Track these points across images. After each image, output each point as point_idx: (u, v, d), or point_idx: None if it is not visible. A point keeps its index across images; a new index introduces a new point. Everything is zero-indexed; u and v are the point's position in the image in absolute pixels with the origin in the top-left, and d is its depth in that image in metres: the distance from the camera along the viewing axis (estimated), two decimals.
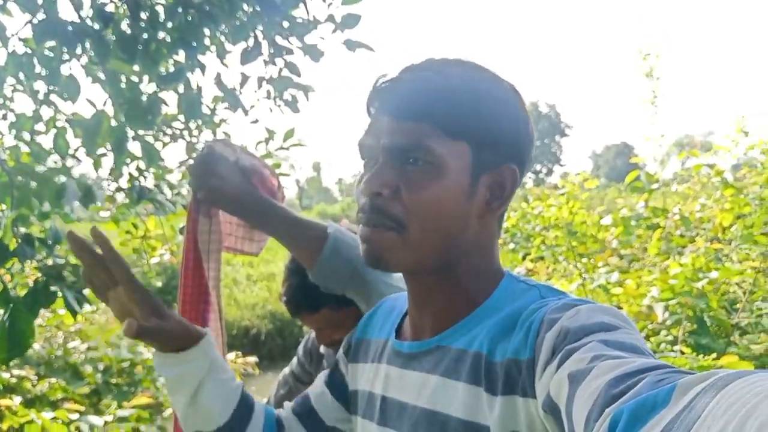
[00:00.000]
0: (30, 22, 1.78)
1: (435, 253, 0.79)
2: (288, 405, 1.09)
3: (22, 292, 1.54)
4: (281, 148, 2.45)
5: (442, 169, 0.76)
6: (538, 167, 52.70)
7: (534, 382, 0.67)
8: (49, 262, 1.60)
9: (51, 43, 2.05)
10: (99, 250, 0.93)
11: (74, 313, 1.63)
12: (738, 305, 3.34)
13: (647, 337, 3.31)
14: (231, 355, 6.62)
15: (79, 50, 1.91)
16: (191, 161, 1.24)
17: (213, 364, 0.99)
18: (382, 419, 0.87)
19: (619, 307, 3.82)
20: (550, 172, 52.15)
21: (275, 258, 16.15)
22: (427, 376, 0.82)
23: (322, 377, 1.07)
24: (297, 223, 1.24)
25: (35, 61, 1.81)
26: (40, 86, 2.36)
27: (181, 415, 1.00)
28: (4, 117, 2.47)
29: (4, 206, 1.71)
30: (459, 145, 0.77)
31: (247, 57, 1.84)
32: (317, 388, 1.06)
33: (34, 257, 1.60)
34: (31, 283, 1.62)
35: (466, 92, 0.78)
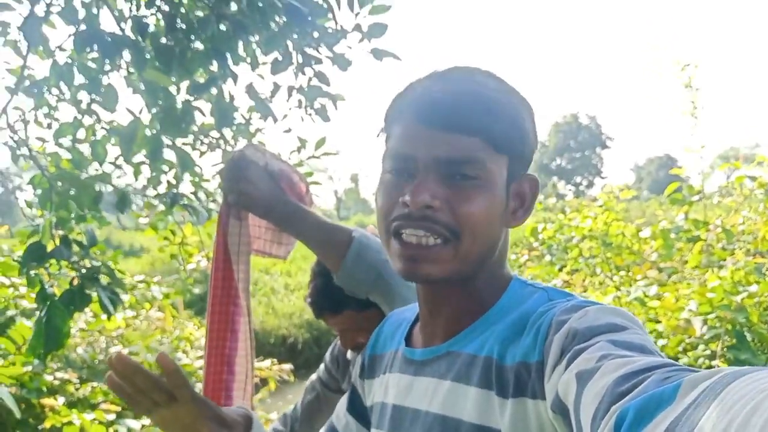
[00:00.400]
0: (73, 34, 1.86)
1: (477, 263, 0.81)
2: None
3: (59, 292, 1.61)
4: (313, 156, 2.49)
5: (490, 182, 0.78)
6: (578, 179, 51.99)
7: (543, 383, 0.68)
8: (86, 263, 1.66)
9: (93, 55, 2.14)
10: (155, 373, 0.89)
11: (108, 314, 1.68)
12: None
13: (684, 351, 3.24)
14: (267, 362, 6.69)
15: (118, 60, 1.99)
16: (225, 165, 1.28)
17: None
18: (394, 427, 0.88)
19: (657, 321, 3.74)
20: (590, 185, 51.40)
21: None
22: (438, 381, 0.83)
23: (343, 406, 1.07)
24: (323, 227, 1.27)
25: (75, 70, 1.89)
26: (83, 96, 2.45)
27: None
28: (49, 126, 2.57)
29: (44, 211, 1.78)
30: (501, 158, 0.79)
31: (277, 67, 1.88)
32: (341, 419, 1.06)
33: (71, 258, 1.67)
34: (67, 285, 1.69)
35: (508, 106, 0.79)
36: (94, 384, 4.93)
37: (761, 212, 4.63)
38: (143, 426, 3.83)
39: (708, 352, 3.12)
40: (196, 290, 10.95)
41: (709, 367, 2.94)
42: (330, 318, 1.53)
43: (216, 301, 1.32)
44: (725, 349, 3.07)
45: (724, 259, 4.23)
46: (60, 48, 1.92)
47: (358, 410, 1.04)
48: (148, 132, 1.97)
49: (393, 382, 0.91)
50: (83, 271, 1.65)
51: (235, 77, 1.84)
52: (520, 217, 0.83)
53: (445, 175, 0.77)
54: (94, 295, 1.77)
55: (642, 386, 0.48)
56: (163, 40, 1.88)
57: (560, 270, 5.79)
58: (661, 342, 3.30)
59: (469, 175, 0.77)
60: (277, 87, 2.06)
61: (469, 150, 0.76)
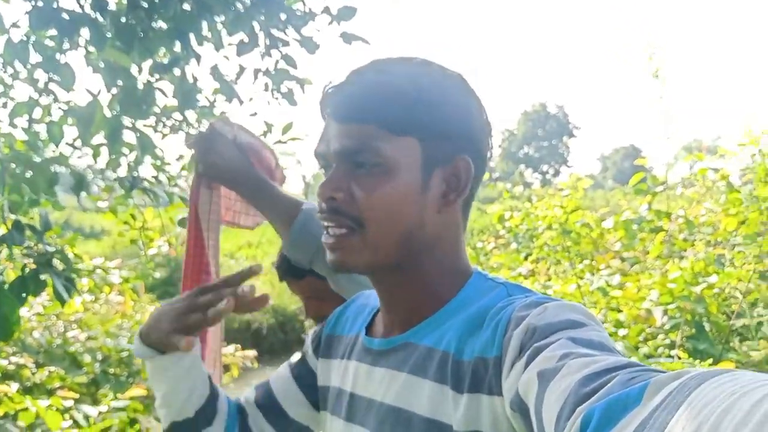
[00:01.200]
0: (29, 11, 1.78)
1: (394, 251, 0.80)
2: (250, 395, 1.08)
3: (11, 279, 1.54)
4: (279, 141, 2.44)
5: (392, 167, 0.77)
6: (545, 168, 52.58)
7: (501, 379, 0.67)
8: (39, 249, 1.60)
9: (51, 33, 2.05)
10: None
11: (62, 301, 1.63)
12: (734, 307, 3.31)
13: (645, 341, 3.30)
14: (230, 348, 6.63)
15: (76, 39, 1.91)
16: (195, 138, 1.31)
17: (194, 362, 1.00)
18: (350, 415, 0.87)
19: (619, 311, 3.80)
20: (557, 173, 52.01)
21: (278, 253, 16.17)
22: (395, 372, 0.82)
23: (287, 369, 1.06)
24: (280, 198, 1.31)
25: (31, 48, 1.81)
26: (40, 75, 2.36)
27: (158, 404, 1.01)
28: (4, 105, 2.47)
29: None
30: (406, 141, 0.78)
31: (243, 48, 1.83)
32: (282, 381, 1.05)
33: (24, 243, 1.60)
34: (19, 271, 1.62)
35: (408, 88, 0.78)
36: (51, 369, 4.83)
37: (722, 204, 4.72)
38: (100, 413, 3.76)
39: (668, 341, 3.18)
40: (157, 274, 10.80)
41: (669, 356, 2.99)
42: (293, 284, 1.61)
43: (188, 270, 1.34)
44: (684, 339, 3.13)
45: (685, 250, 4.31)
46: (14, 25, 1.83)
47: (304, 378, 1.02)
48: (107, 113, 1.90)
49: (351, 369, 0.90)
50: (37, 256, 1.59)
51: (198, 58, 1.78)
52: (453, 200, 0.81)
53: (349, 167, 0.78)
54: (49, 281, 1.71)
55: (607, 387, 0.47)
56: (124, 18, 1.81)
57: (526, 258, 5.85)
58: (622, 331, 3.35)
59: (366, 163, 0.77)
60: (242, 69, 2.00)
61: (361, 138, 0.77)
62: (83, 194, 2.43)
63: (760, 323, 3.43)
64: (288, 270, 1.58)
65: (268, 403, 1.04)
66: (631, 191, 5.18)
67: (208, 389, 1.02)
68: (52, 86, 2.26)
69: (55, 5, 1.74)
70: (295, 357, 1.07)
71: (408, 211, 0.79)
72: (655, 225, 4.75)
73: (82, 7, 1.85)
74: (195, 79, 1.91)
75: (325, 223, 0.81)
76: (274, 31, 1.83)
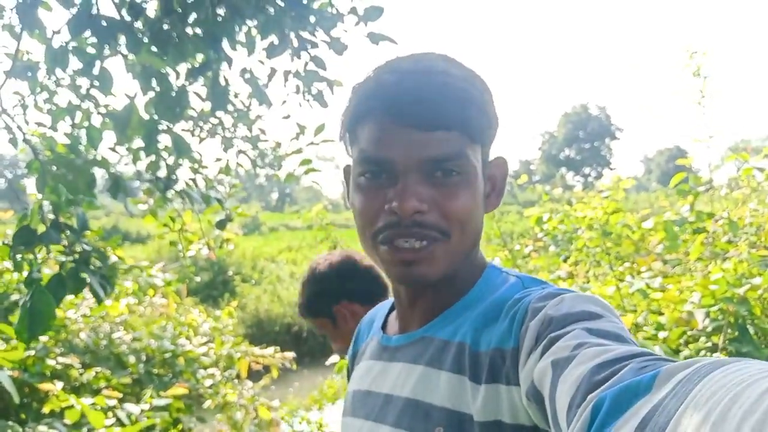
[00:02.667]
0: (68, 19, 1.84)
1: (467, 254, 0.81)
2: None
3: (47, 277, 1.60)
4: (312, 143, 2.48)
5: (472, 174, 0.77)
6: (587, 170, 51.75)
7: (518, 370, 0.67)
8: (77, 248, 1.65)
9: (92, 39, 2.12)
10: None
11: (99, 299, 1.68)
12: None
13: (686, 344, 3.21)
14: (270, 350, 6.71)
15: (115, 44, 1.97)
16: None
17: None
18: (365, 413, 0.88)
19: (660, 313, 3.71)
20: (599, 176, 51.15)
21: None
22: (411, 366, 0.82)
23: None
24: None
25: (71, 55, 1.87)
26: (83, 81, 2.44)
27: None
28: (49, 111, 2.56)
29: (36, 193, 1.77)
30: (477, 148, 0.78)
31: (273, 51, 1.86)
32: None
33: (60, 242, 1.66)
34: (57, 269, 1.68)
35: (475, 93, 0.77)
36: (97, 369, 4.96)
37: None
38: (142, 411, 3.85)
39: (710, 344, 3.10)
40: (198, 278, 11.00)
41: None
42: (310, 321, 1.74)
43: None
44: (727, 342, 3.05)
45: (728, 251, 4.20)
46: (55, 32, 1.90)
47: None
48: (144, 117, 1.96)
49: (366, 368, 0.92)
50: (74, 255, 1.64)
51: (230, 61, 1.82)
52: (494, 201, 0.83)
53: (427, 174, 0.75)
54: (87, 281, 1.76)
55: (618, 375, 0.48)
56: (159, 24, 1.86)
57: (564, 261, 5.76)
58: (662, 334, 3.28)
59: (453, 171, 0.75)
60: (273, 72, 2.04)
61: (450, 146, 0.74)
62: (128, 199, 2.50)
63: None
64: (304, 310, 1.72)
65: None
66: (674, 193, 5.06)
67: None
68: (93, 92, 2.34)
69: (93, 12, 1.80)
70: None
71: (480, 217, 0.81)
72: (697, 226, 4.63)
73: (120, 13, 1.91)
74: (227, 82, 1.95)
75: (405, 237, 0.76)
76: (304, 33, 1.85)
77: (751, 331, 3.15)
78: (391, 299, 0.99)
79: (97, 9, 1.95)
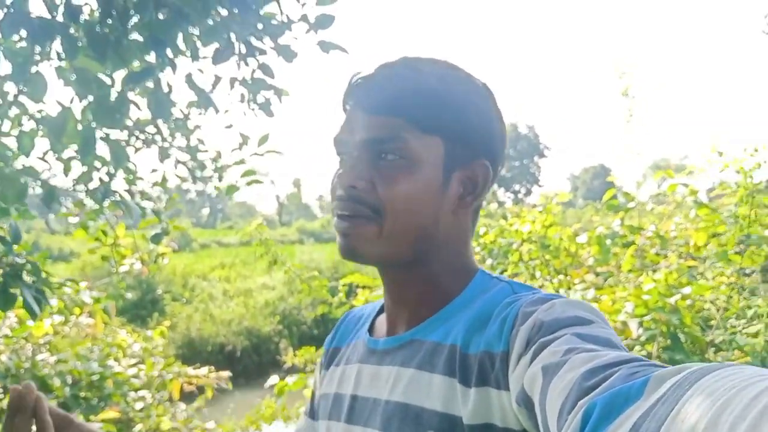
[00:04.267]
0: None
1: (408, 245, 0.81)
2: None
3: None
4: (255, 153, 2.43)
5: (416, 162, 0.78)
6: (516, 187, 53.12)
7: (507, 374, 0.67)
8: (9, 260, 1.55)
9: (21, 43, 2.01)
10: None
11: (33, 314, 1.58)
12: (712, 322, 3.35)
13: None
14: (203, 370, 6.52)
15: (48, 48, 1.87)
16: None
17: None
18: (350, 417, 0.86)
19: None
20: (528, 193, 52.59)
21: (252, 273, 16.02)
22: (401, 369, 0.82)
23: (303, 413, 1.06)
24: None
25: (1, 56, 1.77)
26: (10, 87, 2.31)
27: None
28: None
29: None
30: (432, 139, 0.79)
31: (219, 57, 1.82)
32: (302, 428, 1.05)
33: None
34: None
35: (439, 88, 0.79)
36: None
37: (692, 219, 4.81)
38: None
39: (644, 353, 3.20)
40: (129, 295, 10.63)
41: None
42: None
43: None
44: (661, 350, 3.16)
45: (657, 263, 4.37)
46: None
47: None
48: (79, 125, 1.87)
49: (352, 372, 0.90)
50: (6, 268, 1.54)
51: (174, 67, 1.76)
52: (469, 203, 0.83)
53: (372, 157, 0.79)
54: (18, 296, 1.66)
55: (609, 381, 0.48)
56: (97, 27, 1.79)
57: (501, 273, 5.85)
58: None
59: (391, 155, 0.78)
60: (218, 79, 1.99)
61: (390, 129, 0.78)
62: (51, 215, 2.37)
63: (733, 334, 3.47)
64: None
65: None
66: (603, 208, 5.24)
67: None
68: (21, 98, 2.22)
69: (26, 12, 1.71)
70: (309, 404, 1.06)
71: (426, 208, 0.80)
72: (627, 240, 4.80)
73: (53, 15, 1.82)
74: (170, 89, 1.89)
75: (341, 211, 0.80)
76: (251, 40, 1.82)
77: (683, 338, 3.28)
78: (376, 302, 0.99)
79: (27, 8, 1.86)
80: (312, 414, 1.03)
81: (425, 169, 0.79)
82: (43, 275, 1.68)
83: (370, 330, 0.94)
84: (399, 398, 0.79)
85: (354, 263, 0.84)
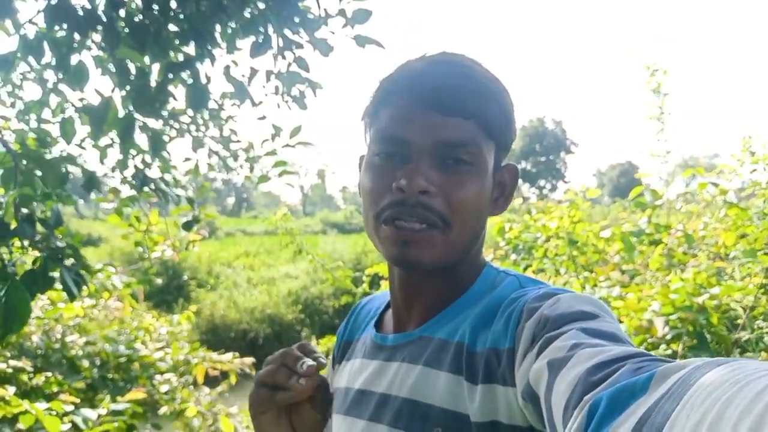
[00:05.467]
0: (43, 9, 1.79)
1: (465, 251, 0.81)
2: None
3: (21, 271, 1.54)
4: (287, 145, 2.46)
5: (483, 169, 0.78)
6: (542, 183, 52.66)
7: (514, 370, 0.67)
8: (50, 243, 1.60)
9: (61, 32, 2.06)
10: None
11: (72, 296, 1.63)
12: (739, 321, 3.32)
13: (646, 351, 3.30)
14: (228, 356, 6.61)
15: (89, 38, 1.92)
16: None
17: None
18: (359, 412, 0.86)
19: (620, 321, 3.80)
20: (554, 188, 52.11)
21: (276, 262, 16.15)
22: (410, 366, 0.82)
23: None
24: None
25: (45, 46, 1.82)
26: (50, 75, 2.37)
27: None
28: (13, 105, 2.48)
29: (6, 188, 1.71)
30: (491, 144, 0.79)
31: (257, 50, 1.84)
32: None
33: (34, 237, 1.60)
34: (30, 264, 1.63)
35: (496, 92, 0.78)
36: (49, 374, 4.80)
37: (721, 219, 4.75)
38: (99, 416, 3.74)
39: (669, 351, 3.18)
40: (159, 280, 10.78)
41: None
42: None
43: None
44: (686, 349, 3.14)
45: (685, 263, 4.33)
46: (31, 21, 1.84)
47: None
48: (119, 112, 1.91)
49: (360, 367, 0.90)
50: (47, 251, 1.59)
51: (213, 58, 1.79)
52: (501, 205, 0.84)
53: (439, 160, 0.76)
54: (57, 278, 1.71)
55: (615, 376, 0.48)
56: (138, 18, 1.83)
57: (525, 270, 5.85)
58: None
59: (464, 160, 0.76)
60: (254, 71, 2.01)
61: (465, 133, 0.75)
62: (80, 201, 2.43)
63: (760, 336, 3.44)
64: None
65: None
66: (630, 206, 5.20)
67: None
68: (61, 86, 2.27)
69: (70, 3, 1.75)
70: None
71: (484, 214, 0.81)
72: (654, 238, 4.76)
73: (95, 7, 1.87)
74: (208, 80, 1.92)
75: (407, 217, 0.76)
76: (288, 33, 1.84)
77: (709, 338, 3.25)
78: (383, 293, 0.99)
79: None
80: None
81: (487, 175, 0.79)
82: (83, 257, 1.73)
83: (378, 324, 0.94)
84: (407, 395, 0.79)
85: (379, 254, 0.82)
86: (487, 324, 0.75)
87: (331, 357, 1.04)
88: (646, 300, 3.56)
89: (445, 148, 0.75)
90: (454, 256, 0.79)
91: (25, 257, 1.69)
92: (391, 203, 0.76)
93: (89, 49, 2.12)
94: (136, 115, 1.85)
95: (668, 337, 3.22)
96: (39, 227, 1.65)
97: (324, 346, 5.72)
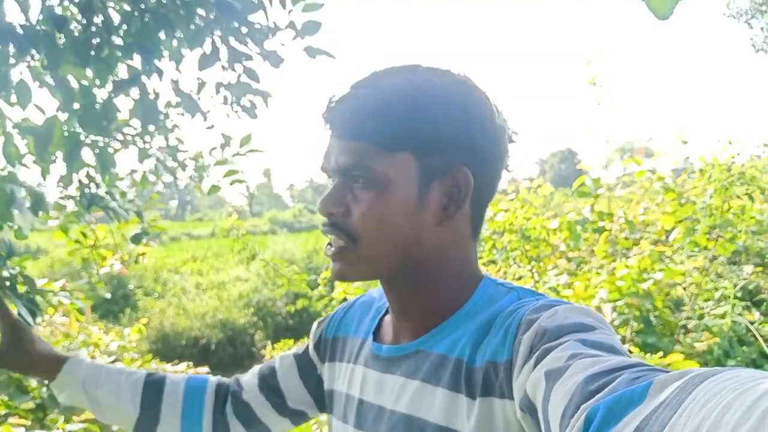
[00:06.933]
0: None
1: (389, 265, 0.82)
2: (254, 376, 1.09)
3: None
4: (237, 154, 2.44)
5: (385, 183, 0.78)
6: None
7: (512, 383, 0.68)
8: (2, 273, 1.55)
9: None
10: None
11: (29, 326, 1.57)
12: (684, 307, 3.47)
13: None
14: (182, 366, 6.48)
15: (29, 56, 1.86)
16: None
17: (87, 381, 1.06)
18: (359, 422, 0.88)
19: None
20: None
21: (225, 265, 15.92)
22: (406, 380, 0.82)
23: (290, 358, 1.08)
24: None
25: None
26: None
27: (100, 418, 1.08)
28: None
29: None
30: (400, 156, 0.78)
31: (204, 62, 1.82)
32: (285, 368, 1.07)
33: None
34: None
35: (399, 104, 0.77)
36: None
37: (659, 203, 4.95)
38: None
39: (618, 337, 3.30)
40: (108, 295, 10.49)
41: None
42: None
43: None
44: (634, 334, 3.26)
45: (629, 249, 4.48)
46: None
47: (306, 371, 1.06)
48: (64, 131, 1.86)
49: (359, 375, 0.91)
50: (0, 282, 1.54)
51: (160, 73, 1.76)
52: (453, 213, 0.81)
53: (348, 182, 0.81)
54: (12, 306, 1.65)
55: (612, 385, 0.48)
56: (80, 33, 1.78)
57: None
58: None
59: (362, 179, 0.79)
60: (203, 83, 1.99)
61: (355, 155, 0.78)
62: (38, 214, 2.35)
63: (701, 316, 3.60)
64: None
65: (270, 386, 1.07)
66: (572, 193, 5.35)
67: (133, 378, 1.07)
68: (1, 105, 2.19)
69: (5, 20, 1.70)
70: (301, 347, 1.09)
71: (402, 227, 0.79)
72: (598, 225, 4.91)
73: (33, 24, 1.80)
74: (156, 95, 1.89)
75: (328, 237, 0.84)
76: (237, 45, 1.82)
77: (654, 322, 3.39)
78: (382, 296, 1.00)
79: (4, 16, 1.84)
80: (300, 369, 1.06)
81: (397, 189, 0.78)
82: (35, 284, 1.68)
83: (377, 330, 0.94)
84: (404, 409, 0.81)
85: None
86: (486, 338, 0.76)
87: (311, 343, 1.06)
88: (594, 288, 3.68)
89: (345, 169, 0.80)
90: (378, 270, 0.83)
91: None
92: (322, 223, 0.84)
93: (29, 65, 2.05)
94: (83, 134, 1.80)
95: (616, 323, 3.34)
96: None
97: (279, 350, 5.68)
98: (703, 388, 0.39)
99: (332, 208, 0.81)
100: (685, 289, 3.44)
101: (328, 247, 0.84)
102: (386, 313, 0.96)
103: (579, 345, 0.60)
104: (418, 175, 0.78)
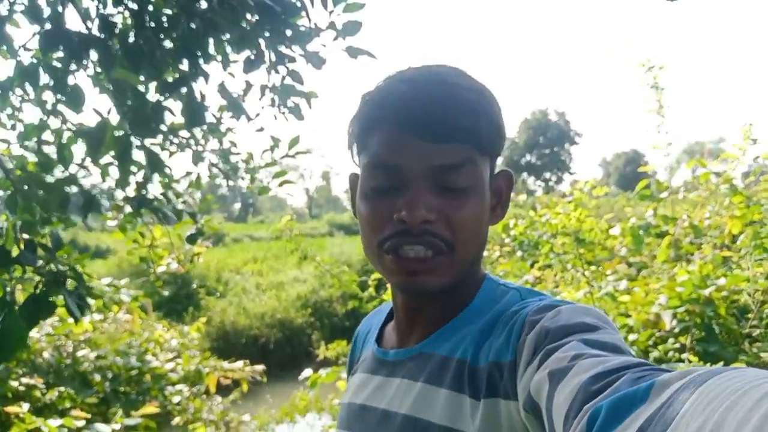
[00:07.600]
0: (38, 33, 1.80)
1: (467, 269, 0.80)
2: None
3: (23, 298, 1.55)
4: (286, 155, 2.47)
5: (480, 186, 0.77)
6: (547, 175, 52.47)
7: (516, 383, 0.67)
8: (52, 268, 1.61)
9: (59, 54, 2.08)
10: None
11: (76, 319, 1.64)
12: (750, 315, 3.30)
13: (655, 345, 3.28)
14: (239, 364, 6.63)
15: (85, 60, 1.93)
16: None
17: None
18: (361, 428, 0.87)
19: (628, 315, 3.79)
20: (560, 180, 51.88)
21: (284, 267, 16.17)
22: (410, 383, 0.82)
23: None
24: None
25: (41, 71, 1.83)
26: (48, 96, 2.38)
27: None
28: (13, 127, 2.50)
29: (8, 213, 1.73)
30: (486, 159, 0.78)
31: (250, 66, 1.85)
32: None
33: (36, 263, 1.61)
34: (32, 290, 1.63)
35: (485, 106, 0.77)
36: (62, 389, 4.83)
37: (726, 207, 4.73)
38: (113, 431, 3.76)
39: (678, 345, 3.17)
40: (166, 292, 10.82)
41: (679, 360, 2.99)
42: None
43: None
44: (694, 342, 3.13)
45: (692, 254, 4.31)
46: (24, 47, 1.86)
47: None
48: (116, 133, 1.92)
49: (363, 382, 0.91)
50: (48, 276, 1.60)
51: (206, 76, 1.80)
52: (499, 214, 0.83)
53: (435, 184, 0.75)
54: (60, 300, 1.72)
55: (615, 385, 0.48)
56: (132, 39, 1.84)
57: (532, 266, 5.84)
58: (631, 336, 3.35)
59: (462, 182, 0.75)
60: (249, 86, 2.02)
61: (458, 155, 0.74)
62: (90, 214, 2.44)
63: None
64: None
65: None
66: (635, 196, 5.19)
67: None
68: (60, 107, 2.29)
69: (63, 27, 1.77)
70: None
71: (485, 230, 0.80)
72: (661, 230, 4.75)
73: (89, 29, 1.88)
74: (203, 97, 1.93)
75: (413, 247, 0.76)
76: (281, 48, 1.85)
77: (717, 330, 3.24)
78: (387, 307, 0.98)
79: (64, 24, 1.92)
80: None
81: (485, 191, 0.78)
82: (85, 280, 1.74)
83: (379, 339, 0.94)
84: (408, 411, 0.80)
85: None
86: (489, 338, 0.75)
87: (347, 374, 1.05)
88: (653, 294, 3.55)
89: (441, 172, 0.75)
90: (461, 276, 0.79)
91: (25, 284, 1.70)
92: (394, 233, 0.76)
93: (86, 68, 2.13)
94: (134, 135, 1.86)
95: (676, 330, 3.21)
96: (40, 251, 1.66)
97: (333, 350, 5.73)
98: (706, 388, 0.39)
99: (430, 214, 0.74)
100: (750, 295, 3.27)
101: (409, 260, 0.76)
102: (388, 319, 0.96)
103: (582, 345, 0.59)
104: (489, 179, 0.80)
